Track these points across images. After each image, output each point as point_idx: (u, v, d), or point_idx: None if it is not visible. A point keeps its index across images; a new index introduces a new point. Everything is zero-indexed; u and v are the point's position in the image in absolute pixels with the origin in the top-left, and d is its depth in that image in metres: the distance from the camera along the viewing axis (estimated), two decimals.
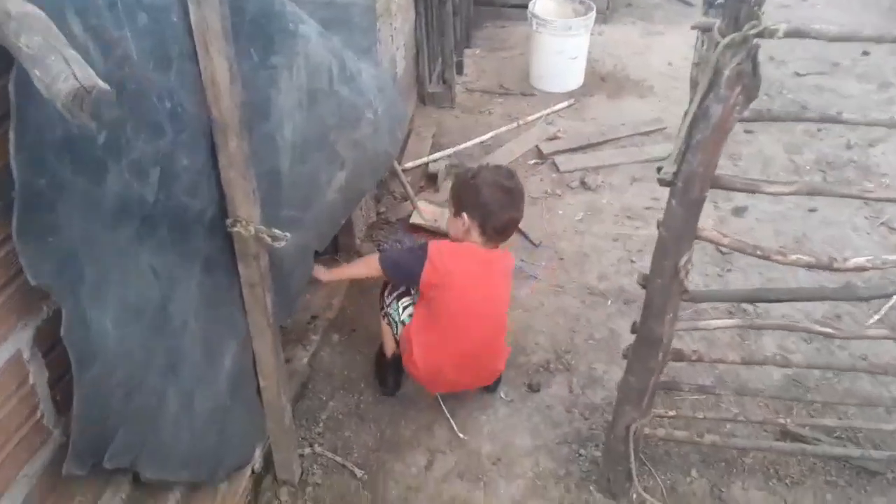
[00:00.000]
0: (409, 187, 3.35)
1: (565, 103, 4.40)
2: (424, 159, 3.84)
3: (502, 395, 2.47)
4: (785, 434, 2.29)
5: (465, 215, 2.16)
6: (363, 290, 2.85)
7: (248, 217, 1.68)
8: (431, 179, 3.75)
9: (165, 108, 1.39)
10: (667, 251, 1.64)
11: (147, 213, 1.41)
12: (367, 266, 2.31)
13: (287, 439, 2.10)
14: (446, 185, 3.70)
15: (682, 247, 1.61)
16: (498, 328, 2.27)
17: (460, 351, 2.17)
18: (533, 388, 2.49)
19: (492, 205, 2.12)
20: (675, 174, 1.50)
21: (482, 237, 2.17)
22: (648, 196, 3.59)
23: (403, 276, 2.23)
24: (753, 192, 1.57)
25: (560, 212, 3.50)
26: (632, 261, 3.12)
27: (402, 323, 2.29)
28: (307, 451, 2.28)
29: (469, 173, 2.23)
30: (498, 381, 2.48)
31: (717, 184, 1.54)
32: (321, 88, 1.91)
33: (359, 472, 2.22)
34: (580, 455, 2.29)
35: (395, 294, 2.34)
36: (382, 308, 2.41)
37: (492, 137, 4.08)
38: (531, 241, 3.27)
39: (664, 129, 4.21)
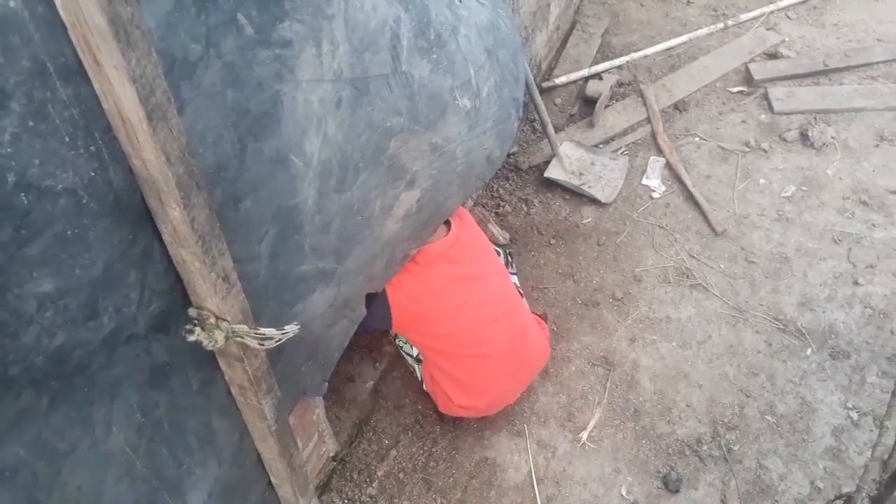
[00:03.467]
0: (548, 121, 2.46)
1: None
2: (583, 72, 2.88)
3: (623, 493, 1.76)
4: None
5: None
6: None
7: (217, 312, 1.02)
8: (588, 105, 2.80)
9: None
10: None
11: None
12: None
13: None
14: (609, 117, 2.75)
15: None
16: (511, 306, 1.79)
17: (496, 360, 1.74)
18: (669, 487, 1.75)
19: None
20: None
21: None
22: None
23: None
24: None
25: (762, 180, 2.49)
26: (856, 282, 2.14)
27: (418, 360, 1.87)
28: None
29: None
30: None
31: None
32: (377, 72, 1.11)
33: None
34: None
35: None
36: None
37: (685, 43, 3.00)
38: (710, 226, 2.34)
39: None
